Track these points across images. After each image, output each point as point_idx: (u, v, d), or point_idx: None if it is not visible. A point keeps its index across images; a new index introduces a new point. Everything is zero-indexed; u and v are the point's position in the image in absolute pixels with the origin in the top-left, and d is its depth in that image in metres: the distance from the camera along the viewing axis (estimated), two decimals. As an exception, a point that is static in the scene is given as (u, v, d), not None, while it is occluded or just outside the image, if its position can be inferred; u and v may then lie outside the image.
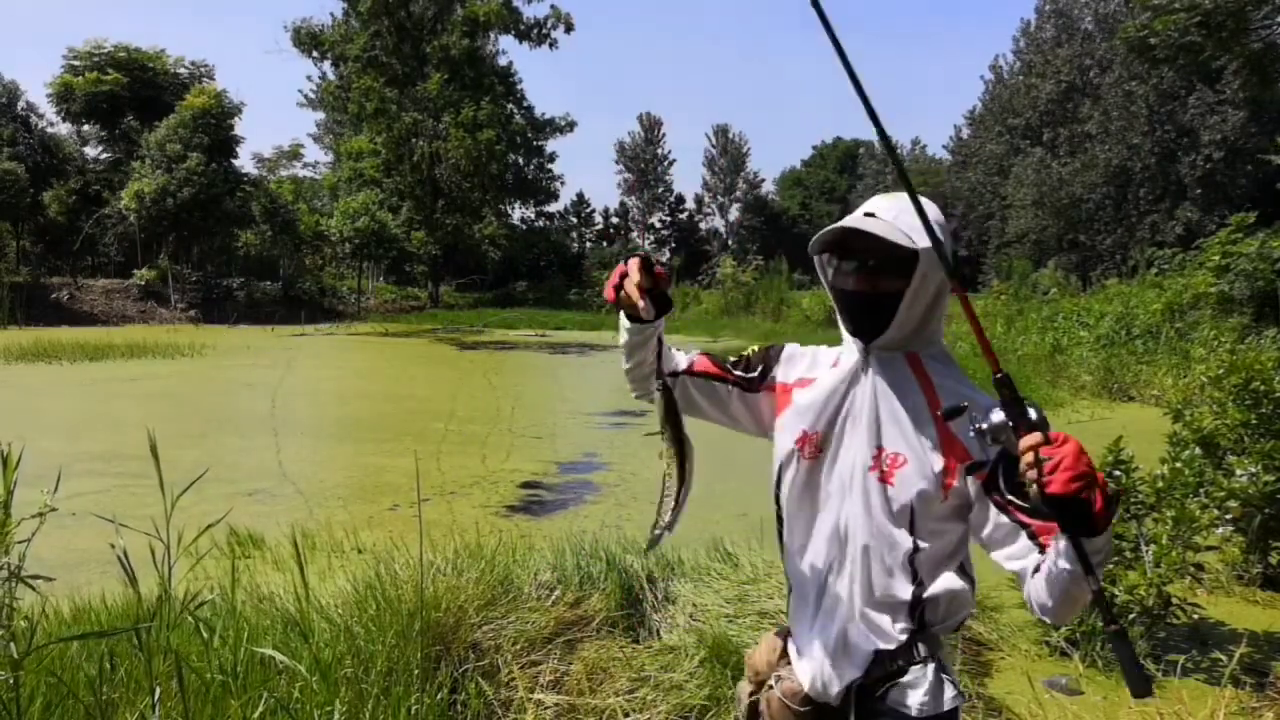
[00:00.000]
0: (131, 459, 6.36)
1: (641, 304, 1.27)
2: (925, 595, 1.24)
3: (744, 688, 1.44)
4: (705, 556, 3.53)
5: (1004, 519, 1.20)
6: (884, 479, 1.22)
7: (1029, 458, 1.06)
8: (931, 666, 1.24)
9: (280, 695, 2.13)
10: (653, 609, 3.06)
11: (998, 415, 1.10)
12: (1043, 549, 1.17)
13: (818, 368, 1.35)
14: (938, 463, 1.20)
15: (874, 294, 1.24)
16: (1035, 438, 1.06)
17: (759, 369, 1.39)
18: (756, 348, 1.43)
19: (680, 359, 1.44)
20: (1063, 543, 1.09)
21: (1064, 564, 1.10)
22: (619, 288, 1.28)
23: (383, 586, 2.72)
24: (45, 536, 1.88)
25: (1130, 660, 1.06)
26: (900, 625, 1.24)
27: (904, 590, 1.24)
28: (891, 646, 1.24)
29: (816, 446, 1.28)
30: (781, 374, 1.37)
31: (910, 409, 1.23)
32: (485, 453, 7.06)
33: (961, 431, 1.19)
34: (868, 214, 1.25)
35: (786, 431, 1.32)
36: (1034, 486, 1.05)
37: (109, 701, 1.91)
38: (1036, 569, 1.18)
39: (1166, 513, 3.22)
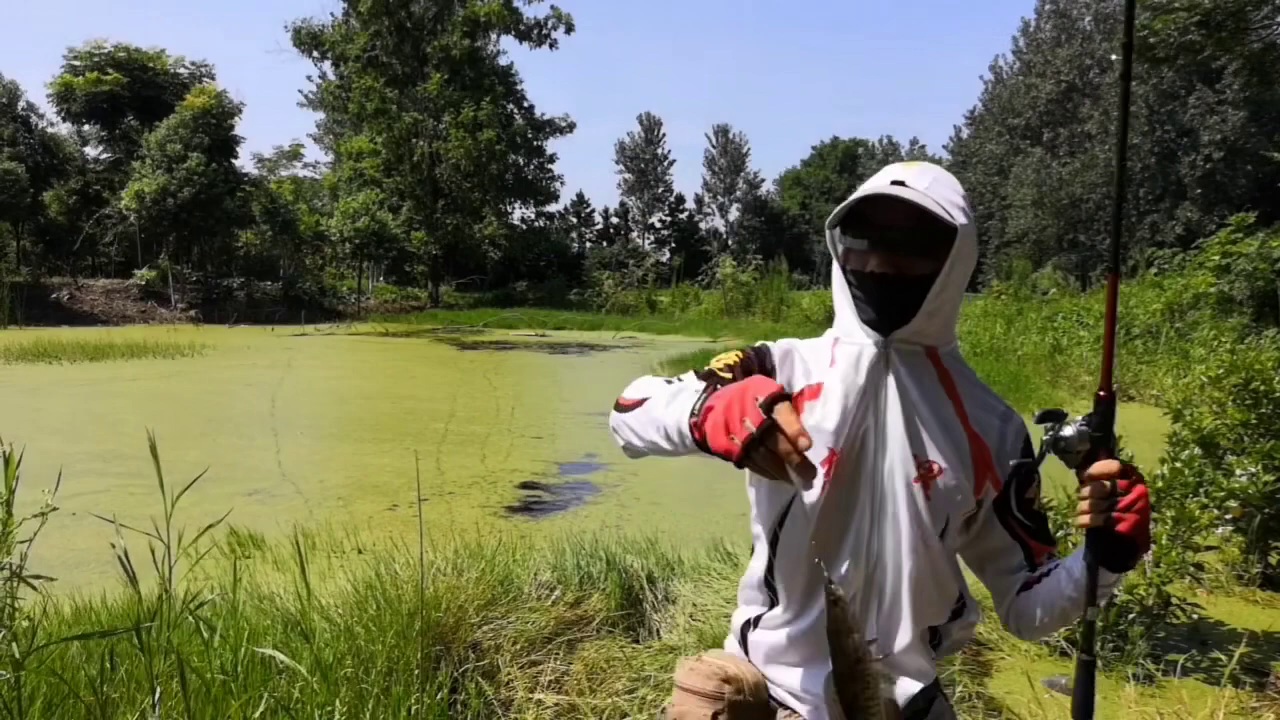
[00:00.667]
0: (131, 459, 6.36)
1: (803, 480, 0.85)
2: (956, 620, 1.15)
3: (697, 708, 1.16)
4: (705, 556, 3.53)
5: (1005, 534, 1.14)
6: (925, 492, 1.07)
7: (1101, 487, 1.00)
8: (942, 695, 1.16)
9: (281, 695, 2.13)
10: (653, 609, 3.06)
11: (1076, 429, 1.04)
12: (1034, 568, 1.14)
13: (815, 371, 1.12)
14: (969, 470, 1.09)
15: (898, 276, 1.05)
16: (1113, 466, 1.01)
17: None
18: (738, 355, 1.14)
19: None
20: (1077, 571, 1.07)
21: (1071, 592, 1.08)
22: (756, 443, 0.83)
23: (383, 586, 2.72)
24: (45, 536, 1.88)
25: (1087, 692, 1.06)
26: (932, 657, 1.14)
27: (942, 616, 1.13)
28: (928, 684, 1.12)
29: (842, 465, 1.08)
30: (784, 381, 1.12)
31: (940, 412, 1.09)
32: (485, 453, 7.06)
33: (986, 433, 1.10)
34: (896, 182, 1.05)
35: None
36: (1098, 516, 1.00)
37: (109, 701, 1.91)
38: (1025, 586, 1.14)
39: (1166, 513, 3.23)
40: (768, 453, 0.83)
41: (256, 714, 2.01)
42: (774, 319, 23.72)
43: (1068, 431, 1.04)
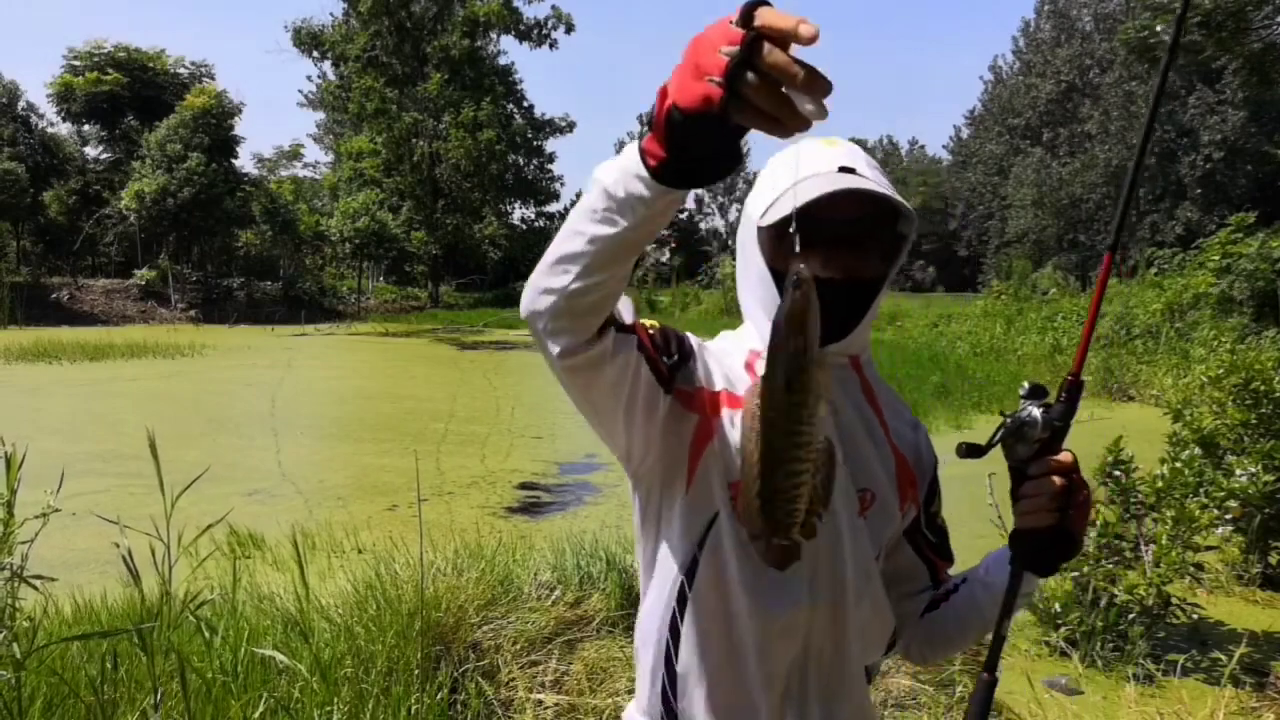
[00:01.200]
0: (131, 459, 6.36)
1: (816, 103, 0.55)
2: (887, 654, 1.01)
3: None
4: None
5: (912, 554, 1.02)
6: (866, 524, 0.93)
7: (1060, 481, 0.88)
8: None
9: (280, 695, 2.14)
10: (653, 609, 3.05)
11: (1040, 412, 0.89)
12: (937, 585, 1.03)
13: (736, 382, 0.91)
14: (895, 492, 0.96)
15: (847, 281, 0.88)
16: (1069, 459, 0.89)
17: (675, 356, 0.88)
18: (654, 322, 0.91)
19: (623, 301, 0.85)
20: (997, 581, 0.94)
21: (990, 605, 0.95)
22: (741, 67, 0.55)
23: (383, 586, 2.72)
24: (45, 536, 1.88)
25: (983, 715, 0.93)
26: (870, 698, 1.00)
27: (880, 652, 0.99)
28: None
29: None
30: (702, 374, 0.90)
31: (871, 431, 0.96)
32: (485, 453, 7.06)
33: (906, 447, 0.98)
34: (845, 169, 0.87)
35: (725, 473, 0.88)
36: (1052, 514, 0.88)
37: (110, 701, 1.91)
38: (931, 606, 1.02)
39: (1166, 513, 3.23)
40: (759, 79, 0.55)
41: (256, 714, 2.01)
42: (774, 319, 23.71)
43: (1035, 415, 0.90)
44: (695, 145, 0.60)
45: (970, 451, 0.93)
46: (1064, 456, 0.89)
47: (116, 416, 8.62)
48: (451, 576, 2.87)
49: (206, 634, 2.15)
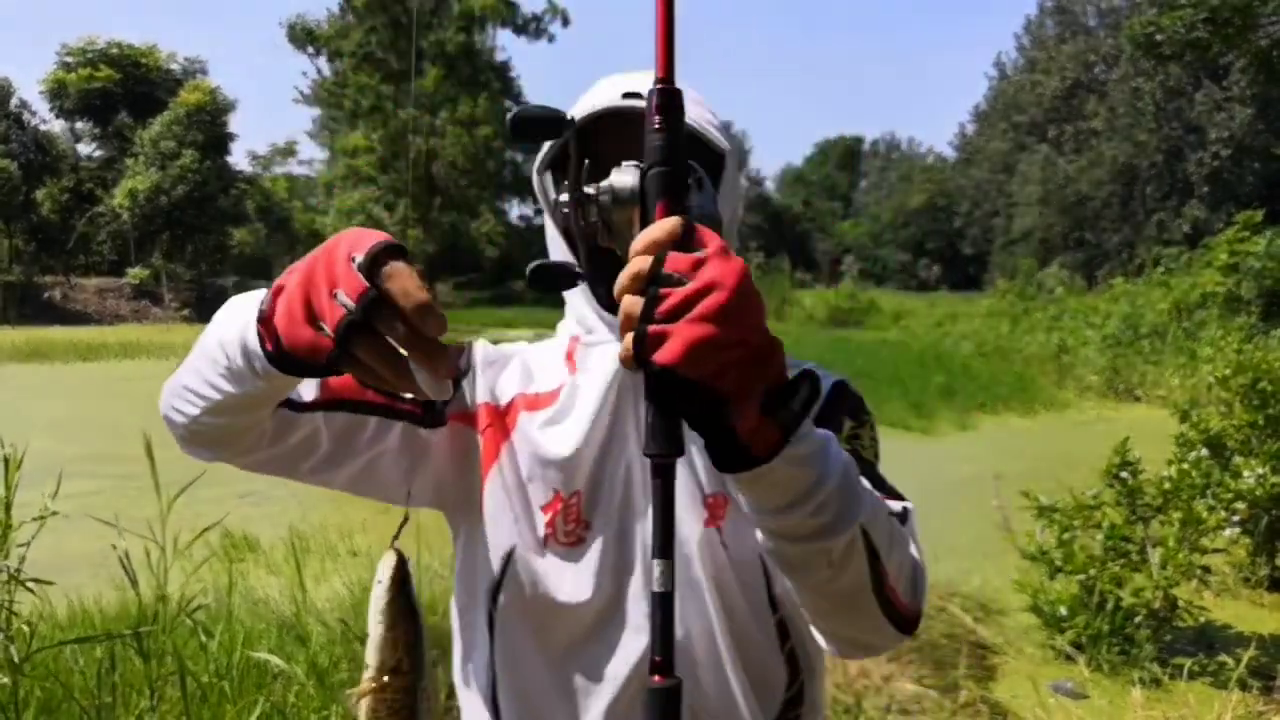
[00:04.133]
0: (124, 460, 6.30)
1: (435, 383, 0.50)
2: (798, 708, 0.75)
3: None
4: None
5: None
6: (720, 538, 0.71)
7: (649, 265, 0.49)
8: None
9: (276, 700, 2.11)
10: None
11: (631, 177, 0.59)
12: None
13: (544, 377, 0.77)
14: None
15: None
16: (671, 225, 0.50)
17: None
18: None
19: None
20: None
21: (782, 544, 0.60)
22: (358, 328, 0.49)
23: (379, 590, 2.68)
24: (37, 538, 1.84)
25: None
26: None
27: (771, 711, 0.74)
28: None
29: (581, 517, 0.72)
30: (484, 388, 0.76)
31: None
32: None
33: None
34: (631, 95, 0.69)
35: (518, 494, 0.73)
36: (628, 334, 0.48)
37: (106, 705, 1.88)
38: None
39: (1173, 514, 3.20)
40: (375, 344, 0.48)
41: (252, 718, 1.98)
42: (776, 318, 23.70)
43: (619, 179, 0.60)
44: (301, 371, 0.54)
45: None
46: (656, 225, 0.51)
47: (109, 417, 8.57)
48: (449, 579, 2.84)
49: (203, 638, 2.12)
